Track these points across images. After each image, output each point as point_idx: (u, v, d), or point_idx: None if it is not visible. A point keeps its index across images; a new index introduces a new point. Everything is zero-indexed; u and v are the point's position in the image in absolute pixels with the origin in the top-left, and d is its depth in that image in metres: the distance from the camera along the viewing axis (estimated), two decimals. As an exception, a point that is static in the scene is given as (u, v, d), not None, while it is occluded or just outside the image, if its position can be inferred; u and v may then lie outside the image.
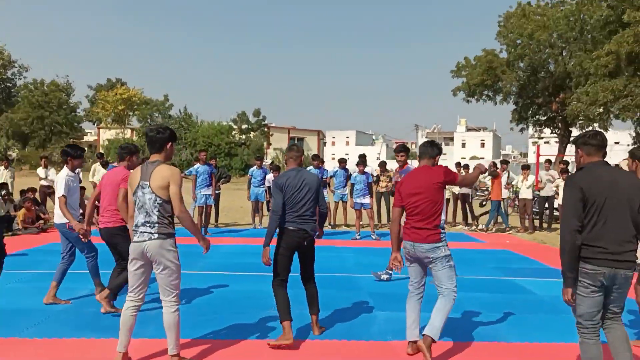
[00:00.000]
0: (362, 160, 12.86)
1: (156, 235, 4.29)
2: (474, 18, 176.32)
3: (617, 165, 11.72)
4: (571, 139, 33.26)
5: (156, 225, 4.29)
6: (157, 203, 4.29)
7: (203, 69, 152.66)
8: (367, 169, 12.78)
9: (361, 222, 12.89)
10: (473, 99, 34.96)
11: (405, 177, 5.10)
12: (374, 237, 12.34)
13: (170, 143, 4.48)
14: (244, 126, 51.92)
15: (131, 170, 4.97)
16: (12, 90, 56.96)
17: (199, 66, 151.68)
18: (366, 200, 12.49)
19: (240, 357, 4.91)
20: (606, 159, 3.97)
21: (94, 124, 68.47)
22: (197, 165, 12.43)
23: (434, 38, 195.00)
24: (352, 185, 12.77)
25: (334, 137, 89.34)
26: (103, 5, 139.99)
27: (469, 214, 15.19)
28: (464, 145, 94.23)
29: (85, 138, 67.25)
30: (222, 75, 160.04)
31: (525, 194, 14.29)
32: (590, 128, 33.22)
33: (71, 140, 52.78)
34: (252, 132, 51.44)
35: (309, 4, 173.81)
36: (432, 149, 5.09)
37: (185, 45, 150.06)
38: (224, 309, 6.30)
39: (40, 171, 14.43)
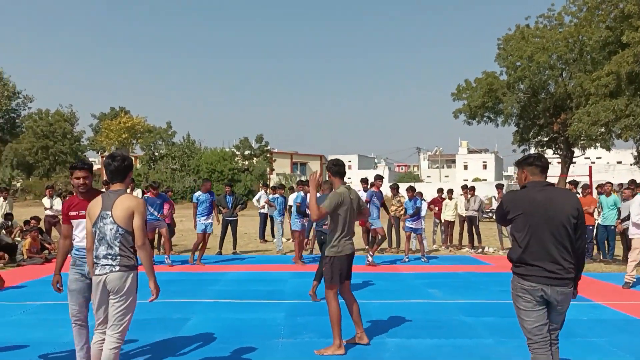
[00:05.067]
0: (412, 187, 13.38)
1: (117, 268, 4.12)
2: (474, 41, 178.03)
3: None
4: (573, 159, 33.29)
5: (118, 257, 4.13)
6: (119, 234, 4.14)
7: (205, 96, 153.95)
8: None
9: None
10: (474, 121, 35.03)
11: None
12: (424, 261, 12.61)
13: (131, 172, 4.45)
14: (247, 152, 52.02)
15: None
16: (17, 121, 57.39)
17: (201, 94, 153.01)
18: (415, 224, 12.86)
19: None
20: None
21: (98, 152, 68.79)
22: (199, 193, 12.43)
23: (434, 61, 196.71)
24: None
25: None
26: (105, 35, 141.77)
27: (475, 237, 15.12)
28: (466, 167, 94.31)
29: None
30: (225, 102, 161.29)
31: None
32: (593, 148, 33.36)
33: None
34: (255, 158, 51.49)
35: (310, 31, 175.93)
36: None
37: (187, 73, 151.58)
38: (230, 337, 6.23)
39: (46, 201, 14.49)
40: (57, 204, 14.05)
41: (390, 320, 7.03)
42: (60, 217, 13.49)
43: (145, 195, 12.51)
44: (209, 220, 12.27)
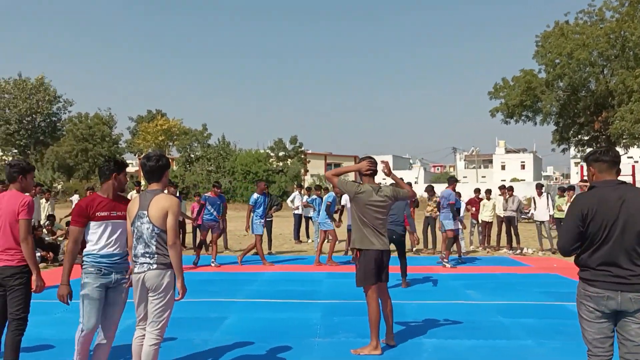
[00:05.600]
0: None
1: (155, 266, 4.20)
2: (511, 38, 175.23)
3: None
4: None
5: (155, 255, 4.20)
6: (155, 233, 4.20)
7: (240, 98, 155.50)
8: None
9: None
10: (512, 120, 34.47)
11: None
12: (445, 263, 12.19)
13: (167, 172, 4.45)
14: (281, 153, 52.34)
15: (26, 193, 4.76)
16: (58, 124, 59.00)
17: (236, 95, 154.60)
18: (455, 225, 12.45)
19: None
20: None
21: (135, 155, 70.17)
22: (256, 195, 12.29)
23: (470, 59, 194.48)
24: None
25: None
26: (142, 40, 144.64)
27: (513, 238, 14.86)
28: (503, 167, 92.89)
29: (127, 169, 68.93)
30: (259, 104, 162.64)
31: (571, 215, 13.93)
32: (636, 146, 32.42)
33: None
34: (289, 159, 51.76)
35: (342, 30, 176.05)
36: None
37: (222, 75, 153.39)
38: (266, 336, 6.25)
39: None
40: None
41: (427, 321, 6.96)
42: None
43: (205, 194, 12.49)
44: (263, 222, 12.19)
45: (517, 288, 9.36)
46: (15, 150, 55.36)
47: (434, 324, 6.81)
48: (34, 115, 55.52)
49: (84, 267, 4.41)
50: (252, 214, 12.03)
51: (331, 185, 13.65)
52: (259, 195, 12.25)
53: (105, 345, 4.51)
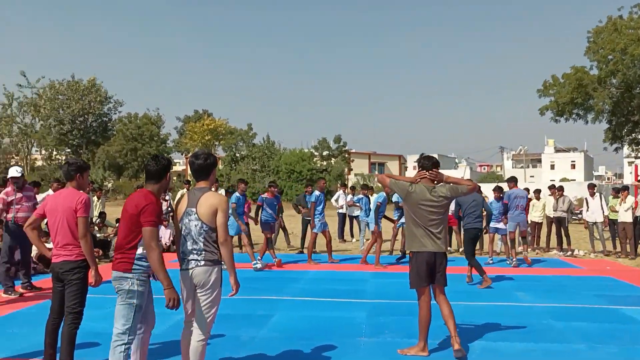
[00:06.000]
0: (499, 187, 12.86)
1: (202, 263, 4.23)
2: (561, 34, 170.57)
3: None
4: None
5: (203, 252, 4.23)
6: (203, 230, 4.23)
7: (285, 97, 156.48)
8: None
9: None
10: (562, 118, 33.58)
11: None
12: (509, 263, 12.08)
13: (214, 170, 4.45)
14: (325, 152, 52.42)
15: (81, 191, 4.82)
16: (108, 124, 60.65)
17: (280, 95, 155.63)
18: (501, 225, 12.25)
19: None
20: None
21: (182, 154, 71.49)
22: (317, 192, 12.31)
23: (517, 56, 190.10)
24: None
25: (415, 162, 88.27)
26: (188, 42, 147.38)
27: (564, 239, 14.46)
28: (552, 167, 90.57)
29: (175, 168, 70.32)
30: (303, 103, 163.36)
31: (624, 217, 13.48)
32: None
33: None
34: (333, 159, 51.81)
35: (385, 31, 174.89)
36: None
37: (267, 75, 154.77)
38: (312, 334, 6.27)
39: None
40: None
41: (476, 323, 6.83)
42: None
43: (262, 196, 12.32)
44: (324, 219, 12.29)
45: (568, 291, 9.10)
46: (69, 150, 57.17)
47: (483, 326, 6.68)
48: (86, 116, 57.19)
49: (138, 273, 4.16)
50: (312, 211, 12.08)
51: (373, 186, 13.66)
52: (320, 193, 12.26)
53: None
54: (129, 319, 4.14)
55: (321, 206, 12.19)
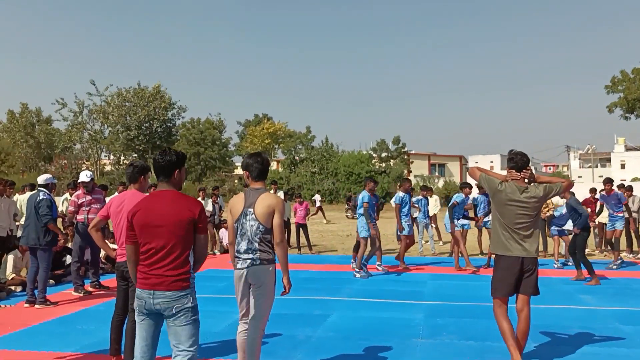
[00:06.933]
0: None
1: (258, 262, 4.30)
2: (630, 28, 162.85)
3: None
4: None
5: (258, 252, 4.31)
6: (260, 230, 4.29)
7: (343, 100, 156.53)
8: None
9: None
10: (632, 115, 32.15)
11: None
12: (556, 266, 11.77)
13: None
14: (384, 154, 52.19)
15: (144, 193, 4.84)
16: (172, 130, 62.55)
17: (339, 97, 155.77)
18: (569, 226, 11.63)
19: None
20: None
21: (243, 158, 72.86)
22: (402, 193, 11.72)
23: (583, 51, 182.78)
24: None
25: (476, 162, 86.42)
26: (248, 50, 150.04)
27: (634, 240, 13.82)
28: (623, 166, 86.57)
29: (236, 171, 71.74)
30: (362, 105, 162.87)
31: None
32: None
33: (224, 173, 56.76)
34: (391, 160, 51.52)
35: (446, 31, 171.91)
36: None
37: (325, 79, 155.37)
38: (369, 335, 6.27)
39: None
40: (209, 204, 15.09)
41: (540, 327, 6.61)
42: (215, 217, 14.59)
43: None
44: (409, 222, 11.80)
45: (638, 294, 8.71)
46: (135, 155, 59.29)
47: (547, 330, 6.48)
48: (151, 122, 59.11)
49: (193, 286, 3.67)
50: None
51: (433, 187, 13.41)
52: (404, 194, 11.66)
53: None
54: (196, 335, 3.68)
55: (406, 208, 11.61)
